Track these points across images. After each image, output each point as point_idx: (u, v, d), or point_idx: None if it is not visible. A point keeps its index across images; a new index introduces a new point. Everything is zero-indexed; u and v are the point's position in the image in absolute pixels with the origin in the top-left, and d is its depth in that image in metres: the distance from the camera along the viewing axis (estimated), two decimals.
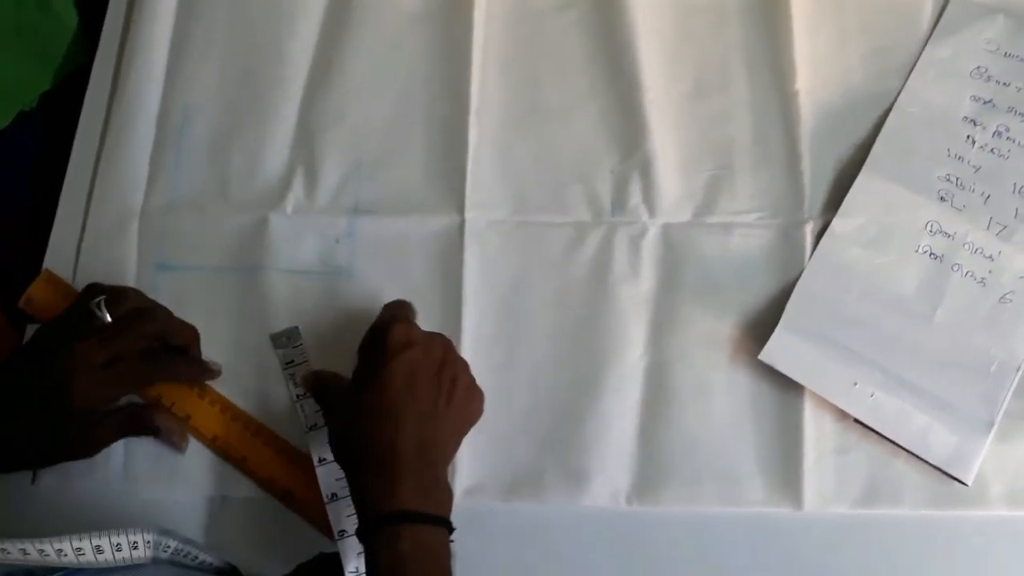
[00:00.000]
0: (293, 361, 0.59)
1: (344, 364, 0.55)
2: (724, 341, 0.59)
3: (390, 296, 0.58)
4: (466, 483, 0.57)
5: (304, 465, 0.56)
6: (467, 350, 0.59)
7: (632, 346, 0.60)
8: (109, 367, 0.52)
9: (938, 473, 0.55)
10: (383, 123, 0.65)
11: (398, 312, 0.54)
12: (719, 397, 0.58)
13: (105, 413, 0.54)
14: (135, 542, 0.46)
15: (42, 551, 0.43)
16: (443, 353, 0.52)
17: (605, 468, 0.57)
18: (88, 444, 0.54)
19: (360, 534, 0.47)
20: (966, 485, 0.54)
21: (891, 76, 0.64)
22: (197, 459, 0.58)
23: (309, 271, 0.62)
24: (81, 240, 0.62)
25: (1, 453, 0.52)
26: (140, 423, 0.55)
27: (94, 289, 0.54)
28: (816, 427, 0.57)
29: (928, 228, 0.60)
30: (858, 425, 0.56)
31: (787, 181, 0.62)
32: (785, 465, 0.57)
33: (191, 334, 0.57)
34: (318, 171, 0.64)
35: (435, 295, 0.61)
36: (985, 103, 0.63)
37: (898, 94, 0.63)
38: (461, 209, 0.62)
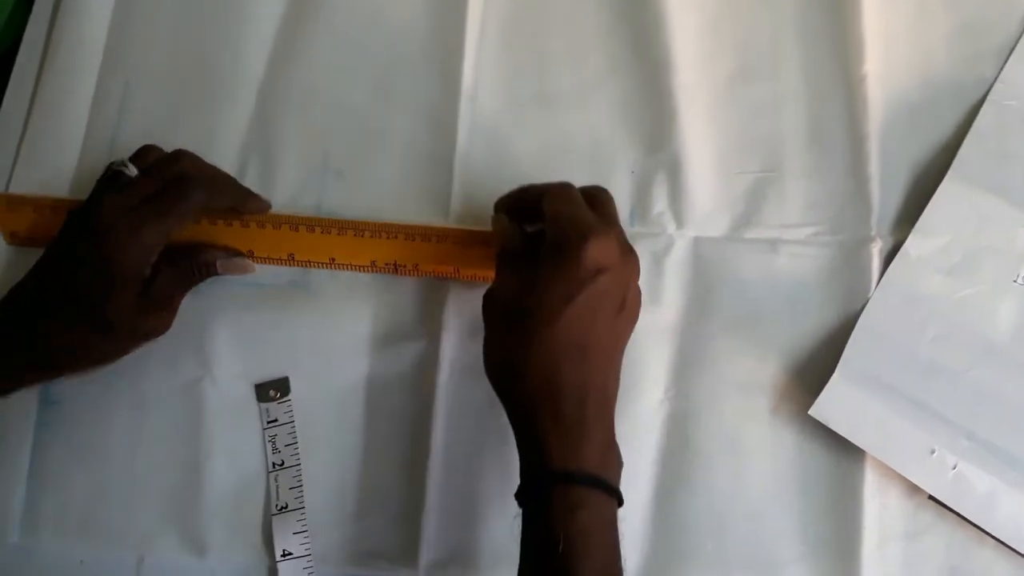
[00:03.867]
0: (277, 420, 0.52)
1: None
2: (765, 388, 0.52)
3: (353, 317, 0.53)
4: (431, 557, 0.50)
5: (405, 232, 0.52)
6: (444, 383, 0.52)
7: (650, 390, 0.52)
8: (143, 215, 0.48)
9: None
10: (356, 109, 0.57)
11: (601, 209, 0.47)
12: (756, 459, 0.51)
13: (155, 270, 0.49)
14: None
15: None
16: (632, 275, 0.46)
17: None
18: (153, 315, 0.49)
19: (525, 491, 0.43)
20: None
21: (983, 60, 0.56)
22: (117, 504, 0.52)
23: (258, 284, 0.54)
24: None
25: (62, 343, 0.48)
26: (195, 267, 0.51)
27: (113, 161, 0.51)
28: (879, 504, 0.50)
29: None
30: (934, 503, 0.49)
31: (850, 188, 0.54)
32: (838, 551, 0.49)
33: (229, 178, 0.53)
34: (276, 165, 0.56)
35: (409, 317, 0.53)
36: None
37: (992, 83, 0.55)
38: (446, 214, 0.55)
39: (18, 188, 0.56)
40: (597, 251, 0.43)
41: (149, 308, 0.49)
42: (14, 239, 0.54)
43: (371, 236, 0.52)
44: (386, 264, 0.53)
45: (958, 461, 0.47)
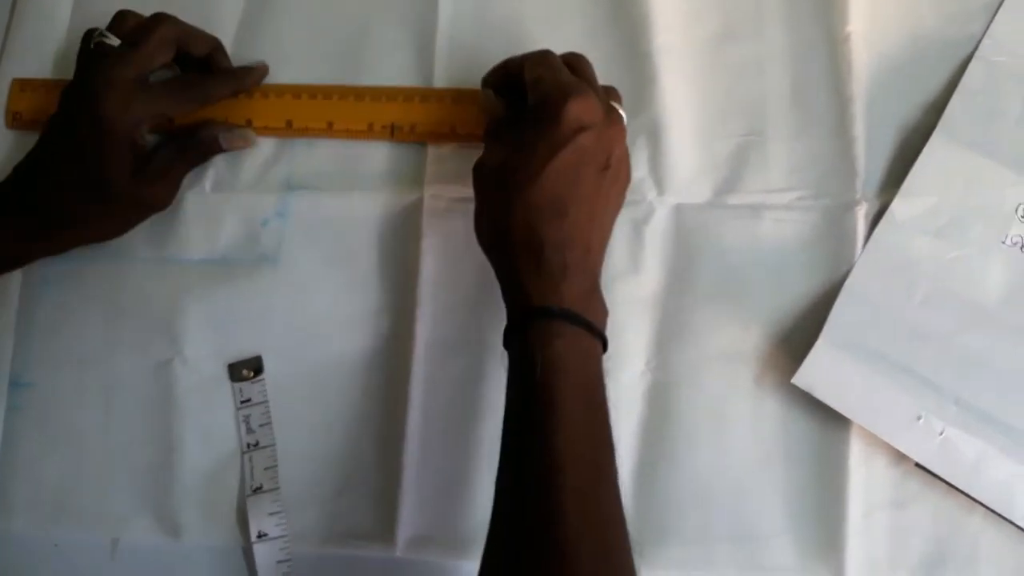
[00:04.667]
0: (251, 400, 0.51)
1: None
2: (748, 357, 0.51)
3: (322, 291, 0.51)
4: (408, 533, 0.50)
5: (404, 94, 0.54)
6: (420, 359, 0.51)
7: (630, 361, 0.51)
8: (140, 87, 0.50)
9: None
10: (327, 77, 0.55)
11: (581, 73, 0.48)
12: (740, 430, 0.50)
13: (155, 147, 0.51)
14: None
15: None
16: (617, 136, 0.47)
17: None
18: (151, 183, 0.50)
19: (508, 332, 0.45)
20: None
21: (970, 17, 0.54)
22: (90, 487, 0.51)
23: (227, 261, 0.53)
24: None
25: (63, 210, 0.49)
26: (197, 142, 0.53)
27: (90, 31, 0.52)
28: (865, 473, 0.49)
29: (1020, 212, 0.51)
30: (921, 471, 0.48)
31: (835, 151, 0.53)
32: (823, 521, 0.49)
33: (211, 39, 0.53)
34: None
35: (383, 291, 0.53)
36: None
37: (980, 40, 0.54)
38: (419, 184, 0.53)
39: (7, 72, 0.56)
40: (578, 109, 0.44)
41: (148, 177, 0.50)
42: (16, 121, 0.55)
43: (371, 100, 0.53)
44: (383, 127, 0.53)
45: (945, 427, 0.47)
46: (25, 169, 0.49)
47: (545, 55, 0.48)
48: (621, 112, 0.48)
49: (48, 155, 0.49)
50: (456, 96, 0.53)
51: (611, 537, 0.40)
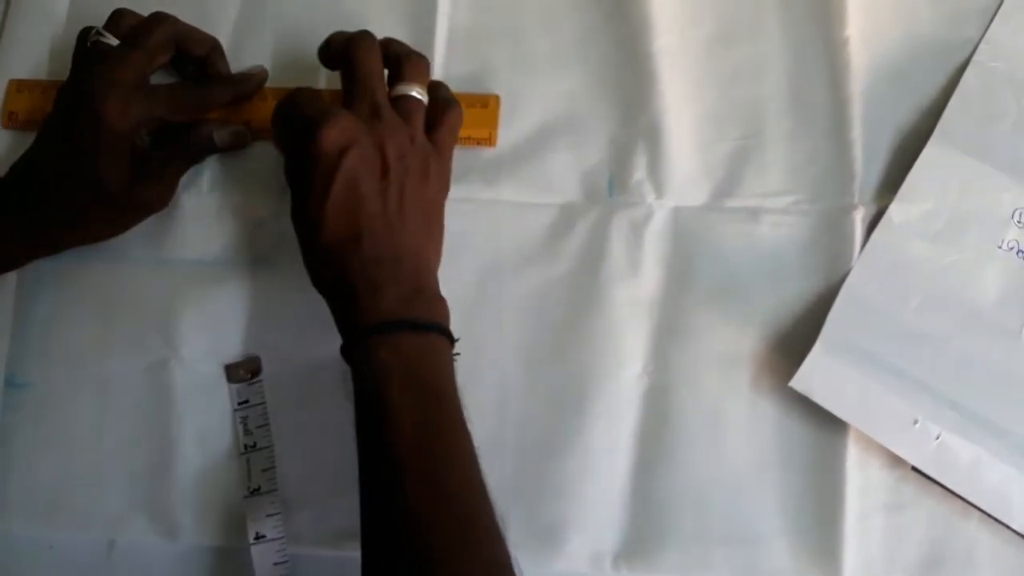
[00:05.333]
0: (248, 401, 0.51)
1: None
2: (746, 360, 0.50)
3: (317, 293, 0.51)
4: None
5: None
6: None
7: (628, 364, 0.51)
8: (140, 89, 0.50)
9: (1022, 541, 0.47)
10: (324, 78, 0.55)
11: (321, 99, 0.47)
12: (737, 433, 0.50)
13: (151, 148, 0.51)
14: None
15: None
16: (386, 133, 0.46)
17: (587, 523, 0.49)
18: (148, 184, 0.50)
19: (342, 353, 0.45)
20: None
21: (968, 21, 0.54)
22: (86, 488, 0.51)
23: (224, 261, 0.53)
24: None
25: (59, 210, 0.49)
26: (193, 141, 0.52)
27: (86, 29, 0.51)
28: (862, 476, 0.49)
29: (1016, 217, 0.50)
30: (917, 475, 0.48)
31: (832, 154, 0.52)
32: (820, 525, 0.48)
33: (209, 39, 0.53)
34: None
35: None
36: None
37: (977, 44, 0.54)
38: None
39: (3, 71, 0.56)
40: (331, 136, 0.44)
41: (145, 179, 0.49)
42: (11, 121, 0.55)
43: None
44: None
45: (942, 431, 0.47)
46: (21, 169, 0.49)
47: (294, 96, 0.47)
48: (391, 109, 0.47)
49: (44, 155, 0.49)
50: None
51: (465, 519, 0.40)
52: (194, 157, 0.53)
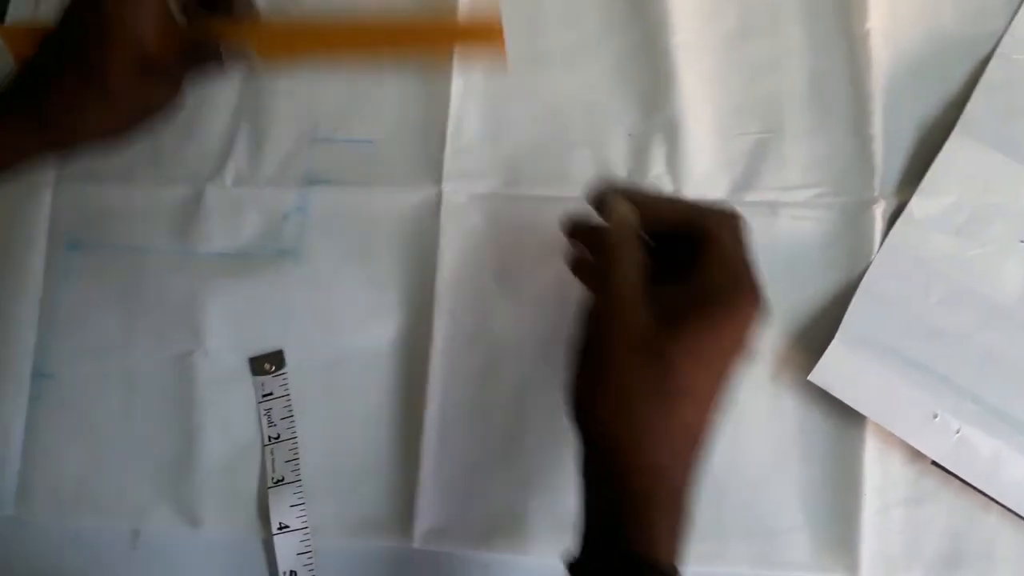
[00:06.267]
0: (272, 393, 0.51)
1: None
2: (765, 354, 0.50)
3: (341, 285, 0.51)
4: (426, 524, 0.50)
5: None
6: (438, 356, 0.51)
7: None
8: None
9: None
10: (346, 73, 0.55)
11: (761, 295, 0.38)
12: (755, 427, 0.49)
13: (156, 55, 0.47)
14: None
15: None
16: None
17: None
18: (153, 75, 0.46)
19: (581, 565, 0.37)
20: None
21: (991, 14, 0.53)
22: (111, 477, 0.52)
23: (248, 254, 0.53)
24: None
25: (62, 105, 0.46)
26: (198, 47, 0.47)
27: None
28: (881, 470, 0.48)
29: None
30: (937, 469, 0.47)
31: (853, 148, 0.52)
32: (838, 518, 0.48)
33: None
34: (266, 132, 0.55)
35: (401, 286, 0.52)
36: None
37: (1000, 37, 0.53)
38: (438, 179, 0.53)
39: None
40: (758, 321, 0.37)
41: (150, 75, 0.46)
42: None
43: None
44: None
45: (962, 425, 0.46)
46: (27, 71, 0.47)
47: (739, 223, 0.39)
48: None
49: (50, 56, 0.46)
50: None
51: None
52: (199, 61, 0.48)
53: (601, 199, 0.41)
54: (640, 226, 0.39)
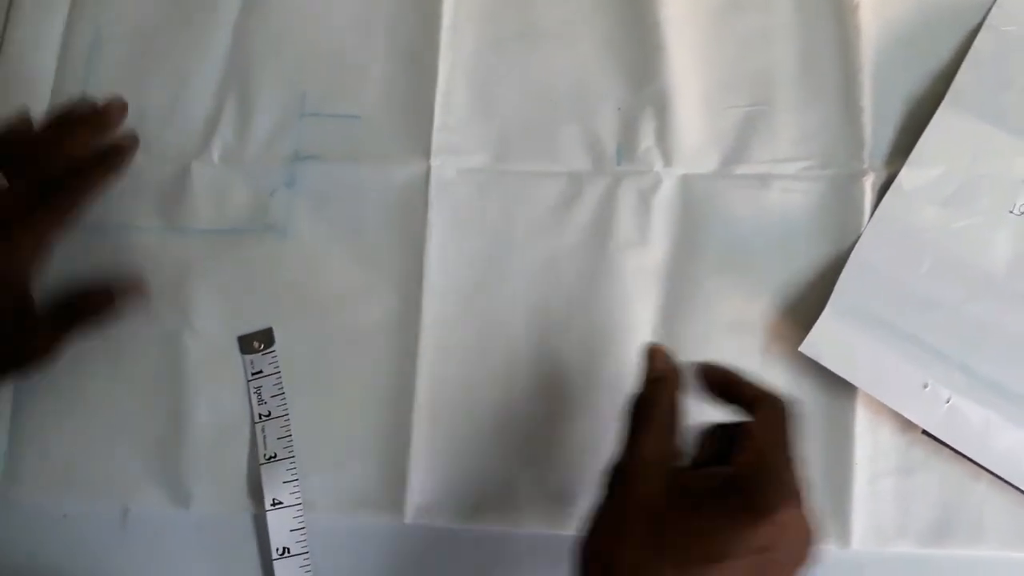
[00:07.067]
0: (262, 372, 0.51)
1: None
2: (755, 327, 0.50)
3: (330, 261, 0.51)
4: (417, 499, 0.49)
5: None
6: (428, 332, 0.51)
7: (638, 331, 0.50)
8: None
9: None
10: (333, 47, 0.55)
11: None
12: None
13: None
14: None
15: None
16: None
17: (596, 488, 0.46)
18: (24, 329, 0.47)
19: None
20: None
21: None
22: (100, 456, 0.51)
23: (235, 231, 0.53)
24: None
25: None
26: (94, 307, 0.49)
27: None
28: (871, 440, 0.48)
29: None
30: (927, 439, 0.48)
31: (842, 120, 0.52)
32: (829, 489, 0.48)
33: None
34: (253, 107, 0.55)
35: (390, 262, 0.52)
36: None
37: (989, 8, 0.53)
38: (426, 154, 0.53)
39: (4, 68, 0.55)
40: (782, 522, 0.34)
41: (24, 344, 0.47)
42: None
43: None
44: None
45: (952, 395, 0.46)
46: None
47: (786, 418, 0.38)
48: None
49: None
50: None
51: None
52: (90, 325, 0.49)
53: (644, 353, 0.40)
54: (680, 387, 0.39)
